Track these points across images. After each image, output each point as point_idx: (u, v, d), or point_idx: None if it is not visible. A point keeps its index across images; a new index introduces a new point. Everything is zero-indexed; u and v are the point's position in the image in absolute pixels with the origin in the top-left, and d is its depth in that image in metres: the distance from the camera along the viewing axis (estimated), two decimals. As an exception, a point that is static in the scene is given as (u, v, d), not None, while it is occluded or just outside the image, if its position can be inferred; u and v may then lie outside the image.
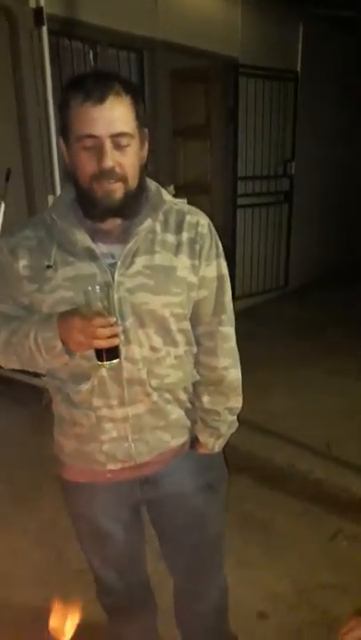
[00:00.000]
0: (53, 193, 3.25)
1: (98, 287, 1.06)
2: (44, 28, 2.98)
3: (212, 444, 1.35)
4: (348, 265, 6.44)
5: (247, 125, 4.74)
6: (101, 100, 1.03)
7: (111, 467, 1.26)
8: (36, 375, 3.53)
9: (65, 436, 1.29)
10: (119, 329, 1.09)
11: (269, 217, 5.28)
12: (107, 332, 1.05)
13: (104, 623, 1.58)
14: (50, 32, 3.05)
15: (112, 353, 1.08)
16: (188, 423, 1.32)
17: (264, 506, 2.54)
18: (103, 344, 1.06)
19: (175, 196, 1.34)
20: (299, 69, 5.18)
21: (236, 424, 1.39)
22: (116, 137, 1.06)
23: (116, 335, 1.07)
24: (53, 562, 2.21)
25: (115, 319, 1.07)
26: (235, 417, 1.37)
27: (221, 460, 1.42)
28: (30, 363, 1.18)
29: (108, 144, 1.05)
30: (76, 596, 1.15)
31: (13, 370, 3.64)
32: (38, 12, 2.94)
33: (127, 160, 1.09)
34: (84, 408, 1.21)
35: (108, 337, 1.06)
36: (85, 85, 1.04)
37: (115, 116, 1.05)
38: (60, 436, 1.31)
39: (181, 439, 1.32)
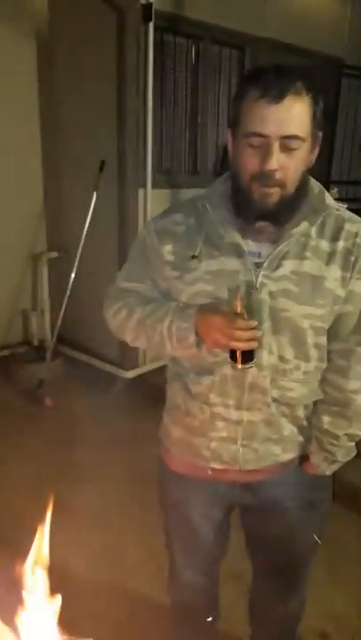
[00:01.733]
0: (144, 187, 3.31)
1: (242, 286, 1.03)
2: (151, 24, 3.04)
3: (325, 468, 1.27)
4: None
5: (346, 127, 4.58)
6: (279, 98, 0.97)
7: (215, 465, 1.24)
8: (112, 363, 3.65)
9: (175, 423, 1.28)
10: (260, 333, 1.05)
11: None
12: (246, 335, 1.02)
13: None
14: (155, 28, 3.11)
15: (247, 356, 1.06)
16: (302, 439, 1.25)
17: (333, 523, 2.44)
18: (241, 346, 1.03)
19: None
20: None
21: (355, 452, 1.27)
22: (286, 139, 0.99)
23: (254, 339, 1.03)
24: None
25: (255, 322, 1.03)
26: (353, 444, 1.26)
27: (330, 482, 1.34)
28: (158, 347, 1.18)
29: (276, 145, 0.99)
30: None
31: (90, 355, 3.79)
32: (147, 8, 3.00)
33: (292, 164, 1.02)
34: (200, 401, 1.19)
35: (247, 340, 1.03)
36: (265, 80, 0.98)
37: (290, 116, 0.98)
38: (169, 421, 1.31)
39: (292, 454, 1.26)
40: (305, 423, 1.24)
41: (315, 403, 1.23)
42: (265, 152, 1.00)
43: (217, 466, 1.24)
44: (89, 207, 3.30)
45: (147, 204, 3.34)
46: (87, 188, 3.32)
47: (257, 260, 1.10)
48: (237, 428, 1.19)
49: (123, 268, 1.30)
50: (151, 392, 3.55)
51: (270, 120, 0.98)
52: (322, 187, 1.14)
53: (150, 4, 2.98)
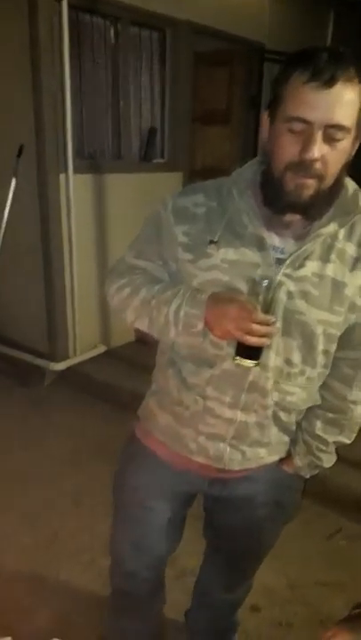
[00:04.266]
0: (65, 172, 3.21)
1: (267, 281, 0.97)
2: (65, 2, 2.93)
3: (306, 472, 1.26)
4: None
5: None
6: (330, 83, 0.89)
7: (199, 459, 1.19)
8: (40, 356, 3.55)
9: (162, 409, 1.23)
10: (275, 331, 1.00)
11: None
12: (262, 330, 0.96)
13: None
14: (70, 7, 3.00)
15: (254, 353, 1.00)
16: (287, 440, 1.22)
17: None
18: (253, 341, 0.97)
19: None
20: (325, 58, 5.05)
21: (335, 458, 1.27)
22: (331, 128, 0.91)
23: (268, 336, 0.98)
24: (47, 543, 2.20)
25: (274, 319, 0.98)
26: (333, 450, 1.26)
27: (301, 485, 1.32)
28: (160, 331, 1.11)
29: (319, 134, 0.91)
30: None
31: (18, 349, 3.66)
32: (59, -16, 2.89)
33: (334, 156, 0.94)
34: (195, 392, 1.14)
35: (262, 335, 0.97)
36: (316, 62, 0.90)
37: (338, 104, 0.90)
38: (156, 405, 1.25)
39: (277, 456, 1.24)
40: (293, 427, 1.21)
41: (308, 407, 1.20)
42: (306, 139, 0.92)
43: (201, 460, 1.19)
44: (7, 194, 3.17)
45: (69, 190, 3.24)
46: (5, 174, 3.19)
47: (279, 256, 1.03)
48: (229, 427, 1.14)
49: (133, 243, 1.21)
50: (84, 383, 3.49)
51: (317, 106, 0.90)
52: (357, 187, 1.07)
53: (62, -19, 2.87)
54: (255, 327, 0.96)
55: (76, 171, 3.24)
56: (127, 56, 3.58)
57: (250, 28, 4.22)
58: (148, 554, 1.37)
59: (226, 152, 4.76)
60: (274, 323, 0.99)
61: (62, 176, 3.22)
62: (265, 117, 1.01)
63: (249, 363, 1.01)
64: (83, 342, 3.61)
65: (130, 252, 1.20)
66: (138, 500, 1.30)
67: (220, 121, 4.65)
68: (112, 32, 3.53)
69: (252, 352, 1.00)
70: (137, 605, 1.49)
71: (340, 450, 1.26)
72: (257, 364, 1.02)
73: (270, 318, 0.97)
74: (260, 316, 0.96)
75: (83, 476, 2.60)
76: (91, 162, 3.54)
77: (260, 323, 0.96)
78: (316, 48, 0.93)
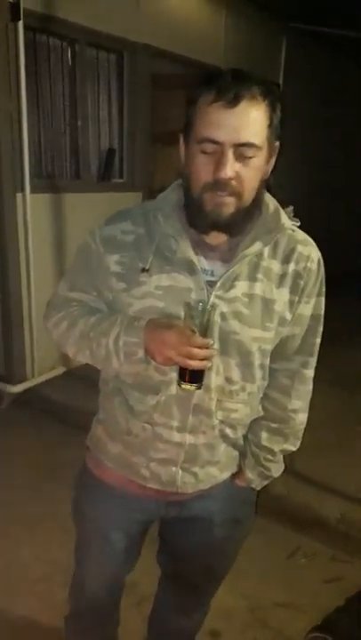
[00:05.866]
0: (22, 191, 3.18)
1: (201, 304, 0.98)
2: (20, 23, 2.93)
3: (258, 483, 1.27)
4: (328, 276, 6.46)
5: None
6: (234, 102, 0.92)
7: (152, 485, 1.19)
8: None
9: (112, 438, 1.21)
10: (214, 353, 1.01)
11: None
12: (202, 353, 0.97)
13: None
14: (26, 28, 3.01)
15: (197, 376, 1.01)
16: (237, 454, 1.24)
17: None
18: (195, 365, 0.98)
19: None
20: (281, 82, 5.20)
21: (283, 467, 1.30)
22: (240, 147, 0.94)
23: (209, 358, 0.99)
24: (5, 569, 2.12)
25: (212, 342, 0.99)
26: (281, 459, 1.29)
27: (255, 498, 1.34)
28: (103, 362, 1.10)
29: (230, 153, 0.94)
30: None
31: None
32: (14, 6, 2.89)
33: (248, 174, 0.96)
34: (142, 420, 1.13)
35: (202, 359, 0.98)
36: (220, 83, 0.92)
37: (245, 123, 0.93)
38: (105, 435, 1.23)
39: (229, 472, 1.24)
40: (241, 441, 1.22)
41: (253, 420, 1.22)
42: (218, 159, 0.94)
43: (154, 486, 1.19)
44: None
45: (26, 209, 3.21)
46: None
47: (209, 279, 1.05)
48: (179, 451, 1.14)
49: (66, 276, 1.21)
50: (42, 405, 3.42)
51: (224, 125, 0.93)
52: (278, 205, 1.09)
53: (18, 2, 2.87)
54: (195, 351, 0.96)
55: (33, 190, 3.22)
56: (85, 77, 3.60)
57: (206, 52, 4.32)
58: (108, 578, 1.36)
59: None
60: (212, 345, 1.00)
61: (19, 195, 3.19)
62: (181, 141, 1.04)
63: (193, 386, 1.02)
64: (41, 364, 3.55)
65: (64, 285, 1.20)
66: (95, 530, 1.29)
67: (178, 141, 4.70)
68: (69, 53, 3.54)
69: (194, 375, 1.01)
70: (95, 627, 1.47)
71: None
72: (199, 387, 1.03)
73: (208, 341, 0.98)
74: (199, 339, 0.97)
75: (39, 501, 2.53)
76: (49, 181, 3.53)
77: (199, 346, 0.97)
78: (220, 71, 0.97)
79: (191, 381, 1.01)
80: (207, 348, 0.98)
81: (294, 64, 5.28)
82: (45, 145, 3.56)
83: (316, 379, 1.25)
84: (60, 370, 3.67)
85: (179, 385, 1.02)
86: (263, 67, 4.98)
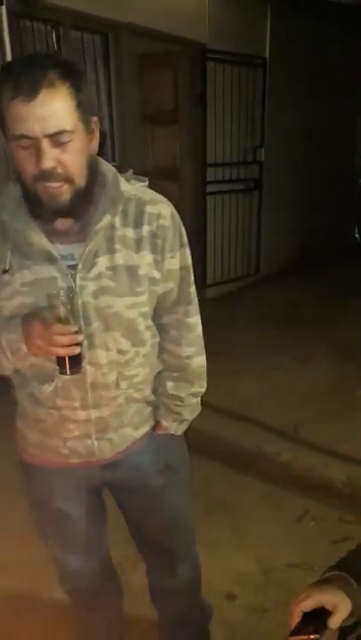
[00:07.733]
0: (7, 179, 3.18)
1: (62, 291, 1.00)
2: (3, 8, 2.91)
3: (175, 428, 1.34)
4: (317, 251, 6.49)
5: (216, 112, 4.71)
6: (32, 95, 0.91)
7: (74, 460, 1.25)
8: None
9: (29, 428, 1.27)
10: (80, 337, 1.03)
11: (239, 204, 5.27)
12: (65, 340, 1.00)
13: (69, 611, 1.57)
14: (9, 12, 2.98)
15: (74, 361, 1.03)
16: (150, 409, 1.31)
17: (231, 489, 2.55)
18: (62, 352, 1.01)
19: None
20: (267, 55, 5.16)
21: (200, 408, 1.38)
22: (53, 136, 0.94)
23: (76, 344, 1.02)
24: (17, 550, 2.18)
25: (75, 328, 1.01)
26: (198, 400, 1.36)
27: (182, 442, 1.41)
28: None
29: (45, 144, 0.94)
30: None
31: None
32: (-4, -10, 2.86)
33: (69, 157, 0.97)
34: (47, 407, 1.19)
35: (68, 345, 1.00)
36: (14, 76, 0.92)
37: (49, 112, 0.93)
38: (23, 426, 1.29)
39: (146, 428, 1.31)
40: (152, 397, 1.30)
41: (158, 373, 1.28)
42: (36, 152, 0.95)
43: (76, 460, 1.25)
44: None
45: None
46: None
47: (71, 263, 1.07)
48: (88, 426, 1.20)
49: None
50: None
51: (30, 120, 0.92)
52: (116, 172, 1.11)
53: (-1, -13, 2.85)
54: (57, 339, 0.99)
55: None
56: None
57: (191, 29, 4.28)
58: (82, 547, 1.40)
59: (175, 151, 4.81)
60: (76, 331, 1.01)
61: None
62: (4, 138, 1.02)
63: (70, 372, 1.04)
64: None
65: None
66: (47, 510, 1.34)
67: (169, 121, 4.69)
68: (54, 36, 3.52)
69: (71, 361, 1.03)
70: (93, 598, 1.50)
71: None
72: (79, 371, 1.05)
73: (70, 328, 0.99)
74: (58, 327, 0.99)
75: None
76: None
77: (60, 334, 0.99)
78: (12, 62, 0.97)
79: (70, 367, 1.03)
80: (70, 334, 1.00)
81: (280, 36, 5.23)
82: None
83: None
84: None
85: (60, 372, 1.05)
86: (249, 41, 4.94)
